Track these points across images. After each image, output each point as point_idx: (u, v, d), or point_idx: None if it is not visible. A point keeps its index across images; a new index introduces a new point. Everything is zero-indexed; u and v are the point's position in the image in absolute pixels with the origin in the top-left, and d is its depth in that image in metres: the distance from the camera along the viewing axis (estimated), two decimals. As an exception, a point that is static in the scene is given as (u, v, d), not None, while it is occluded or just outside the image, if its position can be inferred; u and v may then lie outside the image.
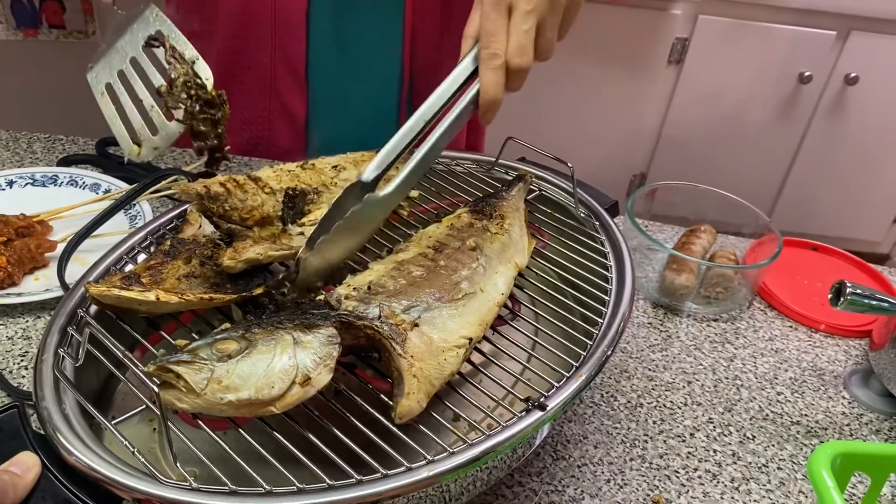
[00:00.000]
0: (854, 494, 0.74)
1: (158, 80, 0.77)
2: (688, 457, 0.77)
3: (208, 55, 0.79)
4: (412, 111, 0.69)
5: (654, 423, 0.81)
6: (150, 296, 0.59)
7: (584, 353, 0.63)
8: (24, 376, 0.76)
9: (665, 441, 0.79)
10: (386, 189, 0.66)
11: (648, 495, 0.72)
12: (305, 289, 0.64)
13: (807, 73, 2.16)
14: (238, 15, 1.06)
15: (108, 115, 0.79)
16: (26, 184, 1.04)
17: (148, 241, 0.73)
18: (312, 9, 1.05)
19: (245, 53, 1.10)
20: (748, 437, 0.80)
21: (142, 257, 0.71)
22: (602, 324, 0.67)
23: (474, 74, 0.69)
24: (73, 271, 0.76)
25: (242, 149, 1.18)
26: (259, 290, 0.64)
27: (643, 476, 0.74)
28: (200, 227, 0.70)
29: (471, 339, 0.61)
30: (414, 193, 0.82)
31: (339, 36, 1.08)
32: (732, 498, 0.73)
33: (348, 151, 0.83)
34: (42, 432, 0.53)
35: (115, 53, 0.79)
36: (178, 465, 0.50)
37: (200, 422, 0.54)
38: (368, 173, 0.68)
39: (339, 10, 1.06)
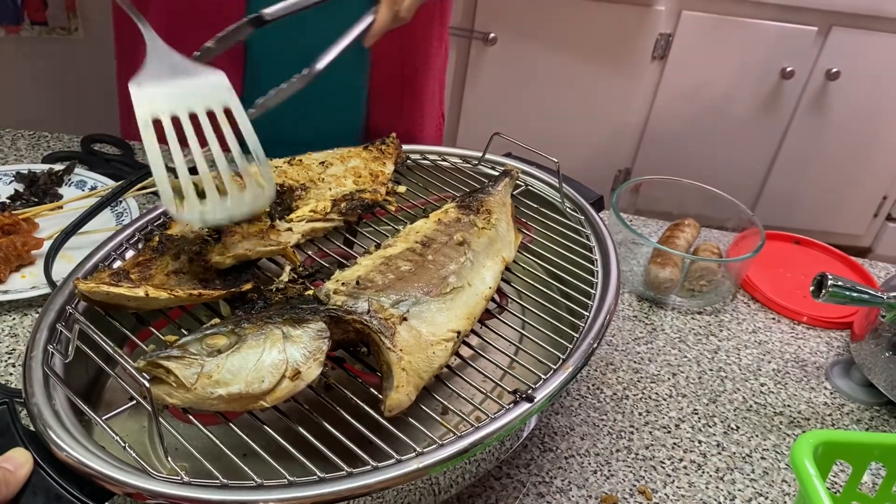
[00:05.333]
0: (836, 482, 0.76)
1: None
2: (673, 448, 0.78)
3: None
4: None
5: (640, 414, 0.82)
6: (140, 292, 0.60)
7: (571, 346, 0.64)
8: (11, 374, 0.76)
9: (651, 432, 0.80)
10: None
11: (634, 486, 0.73)
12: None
13: (789, 69, 2.18)
14: None
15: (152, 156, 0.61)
16: (11, 181, 1.03)
17: (136, 238, 0.73)
18: None
19: (205, 3, 1.00)
20: (732, 428, 0.82)
21: (130, 254, 0.71)
22: (588, 317, 0.68)
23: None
24: (60, 269, 0.75)
25: None
26: (248, 286, 0.64)
27: (629, 467, 0.75)
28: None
29: (459, 333, 0.61)
30: (401, 189, 0.83)
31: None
32: (717, 488, 0.74)
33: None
34: (32, 429, 0.54)
35: (173, 88, 0.64)
36: (169, 459, 0.50)
37: (191, 416, 0.55)
38: (274, 11, 0.78)
39: None
